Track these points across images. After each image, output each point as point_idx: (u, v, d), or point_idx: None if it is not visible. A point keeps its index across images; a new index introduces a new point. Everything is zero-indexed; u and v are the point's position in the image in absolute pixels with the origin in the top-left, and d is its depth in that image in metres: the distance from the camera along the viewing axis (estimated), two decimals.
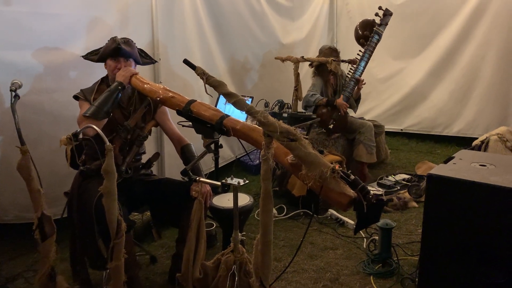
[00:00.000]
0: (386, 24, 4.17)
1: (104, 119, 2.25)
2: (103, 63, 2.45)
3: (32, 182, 1.93)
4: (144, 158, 2.63)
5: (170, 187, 2.51)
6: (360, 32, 4.23)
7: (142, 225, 3.10)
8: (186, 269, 2.06)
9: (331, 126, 4.17)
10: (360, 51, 4.20)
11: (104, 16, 3.09)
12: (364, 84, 4.23)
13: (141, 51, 2.57)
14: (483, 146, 3.58)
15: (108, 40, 2.41)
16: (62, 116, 2.89)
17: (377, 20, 4.15)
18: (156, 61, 2.81)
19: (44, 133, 2.85)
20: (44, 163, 2.60)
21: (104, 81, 2.48)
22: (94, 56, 2.48)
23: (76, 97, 2.42)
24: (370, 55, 4.16)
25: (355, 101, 4.42)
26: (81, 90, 2.43)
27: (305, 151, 1.46)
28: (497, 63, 4.95)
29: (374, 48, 4.16)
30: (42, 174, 2.02)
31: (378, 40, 4.17)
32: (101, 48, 2.46)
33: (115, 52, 2.37)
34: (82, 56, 2.51)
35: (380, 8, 4.14)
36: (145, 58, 2.59)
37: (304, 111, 4.26)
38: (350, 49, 4.56)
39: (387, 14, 4.13)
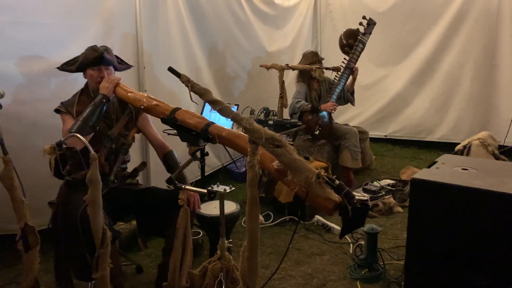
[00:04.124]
0: (370, 33, 4.26)
1: (90, 134, 2.23)
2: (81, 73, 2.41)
3: (15, 192, 1.90)
4: (130, 167, 2.61)
5: (156, 196, 2.49)
6: (344, 41, 4.30)
7: (128, 234, 3.07)
8: (173, 278, 2.05)
9: (317, 132, 4.20)
10: (345, 58, 4.27)
11: (88, 25, 3.08)
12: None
13: (116, 57, 2.54)
14: (466, 151, 3.63)
15: (86, 50, 2.38)
16: (45, 126, 2.85)
17: (361, 29, 4.24)
18: (131, 66, 2.73)
19: (27, 143, 2.81)
20: (27, 173, 2.55)
21: (84, 92, 2.43)
22: (71, 66, 2.42)
23: (57, 111, 2.36)
24: (355, 63, 4.23)
25: (350, 94, 4.47)
26: (61, 103, 2.37)
27: (290, 157, 1.48)
28: (477, 70, 5.07)
29: (358, 57, 4.24)
30: (25, 184, 1.99)
31: (362, 49, 4.25)
32: (76, 58, 2.41)
33: (98, 61, 2.35)
34: (58, 68, 2.44)
35: (364, 17, 4.23)
36: (121, 64, 2.57)
37: (289, 118, 4.28)
38: (334, 56, 4.61)
39: (371, 23, 4.22)
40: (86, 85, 2.45)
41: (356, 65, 4.25)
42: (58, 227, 2.25)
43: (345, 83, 4.28)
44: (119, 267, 2.37)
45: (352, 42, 4.23)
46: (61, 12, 2.92)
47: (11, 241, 2.09)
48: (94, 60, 2.35)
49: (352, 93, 4.50)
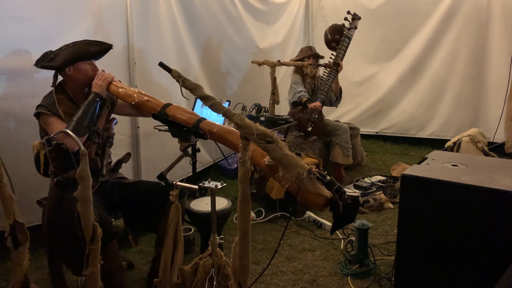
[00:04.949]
0: (356, 28, 4.28)
1: (86, 134, 2.19)
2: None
3: (4, 188, 1.87)
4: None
5: (146, 189, 2.48)
6: (329, 37, 4.32)
7: (119, 231, 3.05)
8: (164, 274, 2.04)
9: (310, 129, 4.22)
10: (332, 54, 4.29)
11: (77, 20, 3.04)
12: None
13: None
14: (455, 147, 3.67)
15: (77, 43, 2.33)
16: (33, 121, 2.79)
17: (346, 24, 4.26)
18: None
19: (15, 139, 2.77)
20: (15, 170, 2.52)
21: (59, 91, 2.33)
22: (49, 62, 2.29)
23: (39, 114, 2.25)
24: (342, 59, 4.25)
25: (336, 97, 4.47)
26: (41, 105, 2.26)
27: (281, 152, 1.48)
28: (467, 68, 5.11)
29: (345, 52, 4.26)
30: (13, 181, 1.97)
31: (349, 44, 4.28)
32: (51, 53, 2.32)
33: (97, 55, 2.34)
34: (36, 66, 2.32)
35: (348, 12, 4.25)
36: None
37: (281, 115, 4.29)
38: (326, 52, 4.61)
39: (356, 18, 4.25)
40: (59, 83, 2.36)
41: (341, 62, 4.26)
42: (53, 226, 2.22)
43: (333, 79, 4.28)
44: (119, 263, 2.36)
45: (338, 37, 4.25)
46: (49, 6, 2.87)
47: (0, 238, 2.06)
48: (95, 54, 2.33)
49: (340, 94, 4.49)
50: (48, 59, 2.30)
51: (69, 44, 2.34)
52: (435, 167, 2.13)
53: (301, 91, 4.30)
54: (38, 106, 2.28)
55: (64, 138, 1.91)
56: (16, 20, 2.72)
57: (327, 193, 1.49)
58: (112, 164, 2.55)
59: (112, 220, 2.94)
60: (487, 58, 4.99)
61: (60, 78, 2.38)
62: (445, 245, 1.95)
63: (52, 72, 2.38)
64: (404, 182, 2.02)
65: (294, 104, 4.40)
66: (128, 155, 2.61)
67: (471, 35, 5.03)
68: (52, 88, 2.36)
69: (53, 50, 2.34)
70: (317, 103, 4.21)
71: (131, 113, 2.66)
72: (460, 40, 5.11)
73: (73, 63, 2.31)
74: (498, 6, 4.83)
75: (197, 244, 3.06)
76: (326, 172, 1.56)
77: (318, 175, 1.48)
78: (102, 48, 2.35)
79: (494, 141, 4.59)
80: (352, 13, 4.26)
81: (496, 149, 4.08)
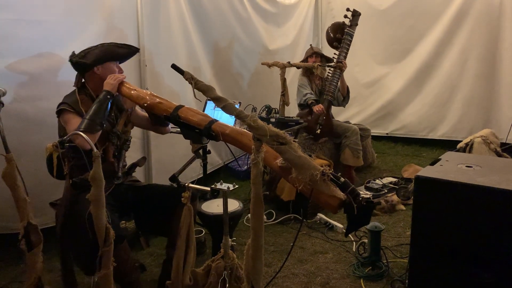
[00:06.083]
0: (356, 25, 4.26)
1: (99, 131, 2.21)
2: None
3: (18, 191, 1.89)
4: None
5: (157, 192, 2.49)
6: (332, 35, 4.32)
7: (131, 233, 3.06)
8: (176, 277, 2.04)
9: (318, 131, 4.20)
10: (335, 53, 4.28)
11: (89, 23, 3.06)
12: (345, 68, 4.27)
13: None
14: (468, 148, 3.62)
15: (107, 45, 2.38)
16: (47, 124, 2.82)
17: (347, 21, 4.25)
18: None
19: (28, 142, 2.79)
20: (29, 172, 2.54)
21: (82, 91, 2.37)
22: (82, 59, 2.32)
23: (61, 111, 2.27)
24: (345, 57, 4.24)
25: (343, 97, 4.44)
26: (64, 103, 2.28)
27: (295, 154, 1.47)
28: (479, 68, 5.05)
29: (348, 50, 4.25)
30: (26, 183, 1.98)
31: (350, 41, 4.26)
32: (82, 52, 2.35)
33: (124, 57, 2.42)
34: (72, 62, 2.36)
35: (348, 9, 4.24)
36: None
37: (291, 116, 4.28)
38: (330, 52, 4.59)
39: (356, 14, 4.24)
40: (82, 84, 2.40)
41: (345, 60, 4.24)
42: (67, 227, 2.23)
43: (338, 79, 4.26)
44: (132, 264, 2.37)
45: (339, 36, 4.24)
46: (62, 9, 2.90)
47: (13, 240, 2.08)
48: (123, 56, 2.41)
49: (347, 94, 4.45)
50: (79, 56, 2.35)
51: (98, 45, 2.39)
52: (449, 168, 2.10)
53: (306, 93, 4.30)
54: (60, 104, 2.31)
55: (77, 138, 1.93)
56: (29, 23, 2.75)
57: (341, 195, 1.47)
58: (126, 167, 2.56)
59: (124, 222, 2.97)
60: (499, 58, 4.93)
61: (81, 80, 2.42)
62: (460, 247, 1.92)
63: (70, 74, 2.42)
64: (418, 183, 2.00)
65: (301, 107, 4.39)
66: (143, 159, 2.63)
67: (482, 35, 4.98)
68: (75, 88, 2.40)
69: (74, 51, 2.41)
70: (319, 106, 4.18)
71: (144, 126, 2.67)
72: (471, 40, 5.06)
73: (103, 62, 2.36)
74: (510, 4, 4.77)
75: (208, 246, 3.05)
76: (339, 174, 1.54)
77: (332, 176, 1.47)
78: (130, 51, 2.44)
79: (507, 142, 4.53)
80: (352, 10, 4.24)
81: (509, 150, 4.02)
